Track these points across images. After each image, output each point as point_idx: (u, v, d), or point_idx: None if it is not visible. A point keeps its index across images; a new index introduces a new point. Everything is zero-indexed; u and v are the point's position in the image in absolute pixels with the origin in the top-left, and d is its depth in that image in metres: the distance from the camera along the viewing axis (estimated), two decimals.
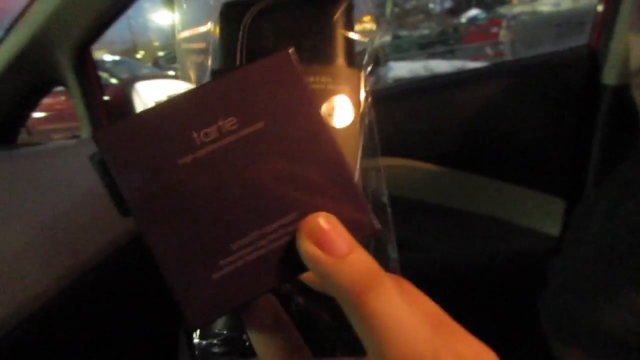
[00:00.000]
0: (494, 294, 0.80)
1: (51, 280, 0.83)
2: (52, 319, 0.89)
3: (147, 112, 0.19)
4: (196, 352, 0.29)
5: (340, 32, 0.31)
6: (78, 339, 1.01)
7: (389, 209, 0.31)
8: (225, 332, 0.30)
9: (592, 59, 1.00)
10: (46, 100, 1.24)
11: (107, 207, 0.87)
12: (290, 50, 0.18)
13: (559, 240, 1.02)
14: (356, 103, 0.29)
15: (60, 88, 1.21)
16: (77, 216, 0.92)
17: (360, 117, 0.29)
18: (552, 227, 1.02)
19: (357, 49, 0.33)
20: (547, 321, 0.56)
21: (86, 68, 1.14)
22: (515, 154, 1.06)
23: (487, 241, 1.05)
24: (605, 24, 0.98)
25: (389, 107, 1.07)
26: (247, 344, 0.28)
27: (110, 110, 1.23)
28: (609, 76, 0.96)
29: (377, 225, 0.19)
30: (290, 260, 0.18)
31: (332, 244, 0.17)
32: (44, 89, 1.15)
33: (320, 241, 0.17)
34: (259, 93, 0.18)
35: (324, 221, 0.18)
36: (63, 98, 6.73)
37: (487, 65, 1.75)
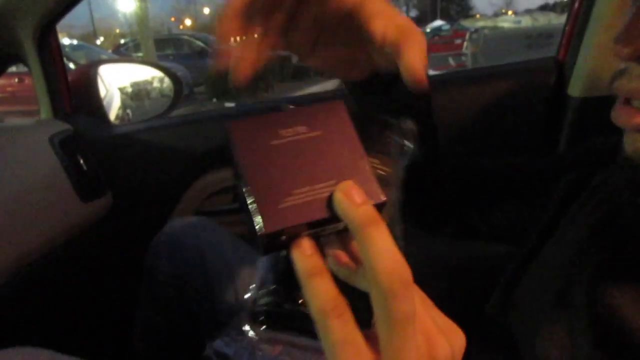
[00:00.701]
0: (459, 291, 0.81)
1: (6, 263, 0.79)
2: (6, 301, 0.85)
3: (258, 116, 0.31)
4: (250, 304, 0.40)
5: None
6: (31, 319, 0.96)
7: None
8: (273, 286, 0.40)
9: (558, 70, 1.03)
10: None
11: (66, 191, 0.84)
12: (342, 101, 0.33)
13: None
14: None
15: (13, 69, 1.15)
16: (35, 198, 0.88)
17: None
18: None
19: None
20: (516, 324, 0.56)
21: (49, 47, 1.09)
22: (481, 158, 1.09)
23: (453, 245, 1.06)
24: (572, 39, 1.02)
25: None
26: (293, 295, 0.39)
27: (72, 92, 1.18)
28: (574, 88, 0.99)
29: (384, 197, 0.31)
30: (326, 206, 0.30)
31: (353, 197, 0.28)
32: (3, 65, 1.09)
33: (347, 194, 0.29)
34: (321, 115, 0.32)
35: (351, 185, 0.29)
36: (16, 80, 6.46)
37: (455, 71, 1.78)
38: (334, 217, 0.29)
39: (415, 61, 0.37)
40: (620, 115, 0.43)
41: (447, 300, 0.79)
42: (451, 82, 1.11)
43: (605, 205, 0.53)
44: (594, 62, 0.96)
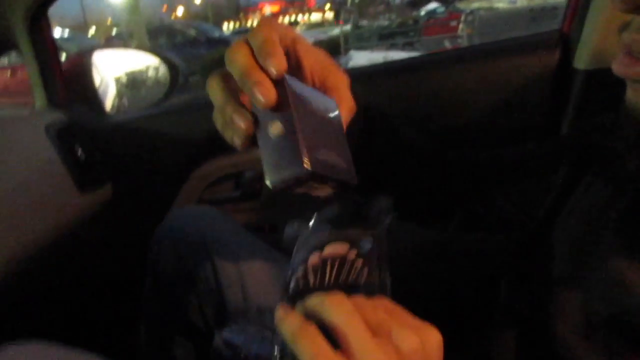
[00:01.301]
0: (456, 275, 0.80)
1: (6, 256, 0.77)
2: (7, 293, 0.83)
3: (304, 85, 0.40)
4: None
5: None
6: (32, 313, 0.95)
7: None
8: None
9: (564, 43, 1.00)
10: None
11: (64, 181, 0.82)
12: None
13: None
14: None
15: (5, 62, 1.13)
16: (33, 190, 0.86)
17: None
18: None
19: None
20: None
21: (42, 33, 1.06)
22: (486, 136, 1.07)
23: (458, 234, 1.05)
24: (577, 10, 0.99)
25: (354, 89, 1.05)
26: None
27: (66, 81, 1.15)
28: (580, 61, 0.97)
29: (355, 180, 0.39)
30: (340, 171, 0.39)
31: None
32: None
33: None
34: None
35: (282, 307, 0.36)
36: (8, 74, 6.39)
37: (458, 48, 1.75)
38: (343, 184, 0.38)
39: (344, 99, 0.44)
40: (620, 65, 0.43)
41: (454, 287, 0.79)
42: (453, 60, 1.09)
43: (613, 181, 0.52)
44: (600, 33, 0.94)
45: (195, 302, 0.86)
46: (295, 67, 0.42)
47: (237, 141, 0.40)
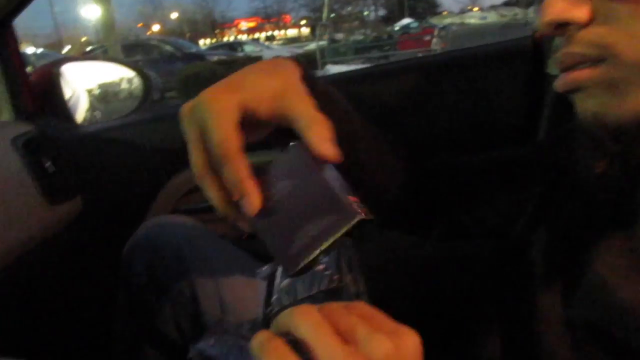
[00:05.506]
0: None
1: None
2: None
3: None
4: None
5: None
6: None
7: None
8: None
9: (536, 50, 1.02)
10: None
11: (32, 194, 0.79)
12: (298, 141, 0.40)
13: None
14: None
15: None
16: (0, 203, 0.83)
17: None
18: None
19: None
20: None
21: (7, 44, 1.03)
22: (464, 143, 1.07)
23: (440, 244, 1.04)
24: None
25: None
26: None
27: (34, 93, 1.12)
28: (553, 66, 0.98)
29: (361, 216, 0.37)
30: (317, 240, 0.38)
31: None
32: None
33: None
34: (291, 162, 0.41)
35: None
36: None
37: (431, 55, 1.76)
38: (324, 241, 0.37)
39: (320, 138, 0.40)
40: (558, 82, 0.42)
41: (441, 295, 0.77)
42: (429, 66, 1.09)
43: (585, 186, 0.52)
44: None
45: (170, 314, 0.83)
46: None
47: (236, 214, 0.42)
